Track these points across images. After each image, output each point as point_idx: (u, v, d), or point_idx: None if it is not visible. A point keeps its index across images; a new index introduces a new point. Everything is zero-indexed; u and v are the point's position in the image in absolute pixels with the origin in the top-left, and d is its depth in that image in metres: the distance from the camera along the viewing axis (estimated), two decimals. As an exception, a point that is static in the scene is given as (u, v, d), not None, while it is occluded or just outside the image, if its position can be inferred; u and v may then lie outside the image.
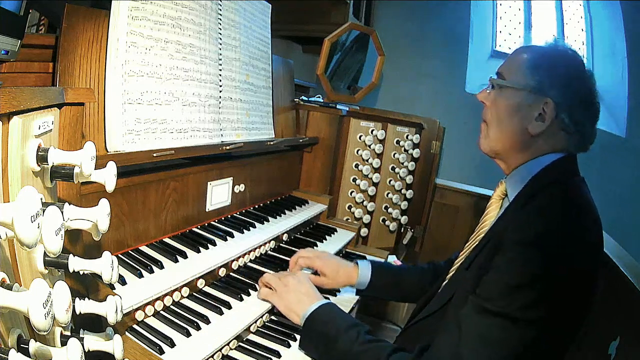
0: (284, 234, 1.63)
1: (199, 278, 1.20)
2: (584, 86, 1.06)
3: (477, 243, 1.14)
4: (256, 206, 1.75)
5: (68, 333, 0.69)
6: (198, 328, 1.06)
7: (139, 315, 1.03)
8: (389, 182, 2.21)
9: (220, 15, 1.49)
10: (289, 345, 1.16)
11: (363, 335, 1.08)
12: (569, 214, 0.95)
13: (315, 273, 1.46)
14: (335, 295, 1.49)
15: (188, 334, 1.03)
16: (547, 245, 0.89)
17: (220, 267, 1.29)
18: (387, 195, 2.23)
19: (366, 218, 2.17)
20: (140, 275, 1.07)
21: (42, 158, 0.62)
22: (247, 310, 1.19)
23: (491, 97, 1.14)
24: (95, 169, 0.68)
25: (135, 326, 1.01)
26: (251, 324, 1.17)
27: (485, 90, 1.17)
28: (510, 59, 1.15)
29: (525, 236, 0.92)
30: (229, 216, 1.58)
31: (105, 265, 0.67)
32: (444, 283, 1.23)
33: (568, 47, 1.11)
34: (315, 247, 1.67)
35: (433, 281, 1.51)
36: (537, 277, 0.88)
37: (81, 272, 0.66)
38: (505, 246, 0.93)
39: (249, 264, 1.44)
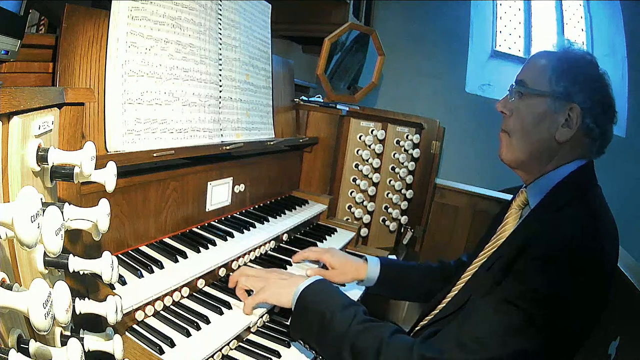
0: (284, 234, 1.63)
1: (199, 278, 1.20)
2: (605, 89, 1.05)
3: (496, 248, 1.13)
4: (256, 206, 1.75)
5: (68, 333, 0.69)
6: (198, 328, 1.06)
7: (139, 315, 1.03)
8: (389, 182, 2.21)
9: (220, 15, 1.49)
10: (289, 345, 1.16)
11: (361, 314, 1.05)
12: (594, 229, 0.96)
13: (324, 267, 1.47)
14: None
15: (188, 334, 1.03)
16: (573, 259, 0.91)
17: (220, 267, 1.29)
18: (387, 195, 2.22)
19: (366, 218, 2.17)
20: (140, 275, 1.07)
21: (42, 158, 0.62)
22: (247, 310, 1.19)
23: (512, 106, 1.12)
24: (95, 169, 0.68)
25: (135, 326, 1.01)
26: (251, 324, 1.17)
27: (505, 99, 1.14)
28: (529, 65, 1.12)
29: (552, 250, 0.92)
30: (229, 216, 1.58)
31: (105, 265, 0.67)
32: (459, 287, 1.22)
33: (584, 50, 1.10)
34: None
35: (441, 281, 1.50)
36: (561, 290, 0.89)
37: (81, 272, 0.66)
38: (531, 256, 0.93)
39: (249, 264, 1.44)
